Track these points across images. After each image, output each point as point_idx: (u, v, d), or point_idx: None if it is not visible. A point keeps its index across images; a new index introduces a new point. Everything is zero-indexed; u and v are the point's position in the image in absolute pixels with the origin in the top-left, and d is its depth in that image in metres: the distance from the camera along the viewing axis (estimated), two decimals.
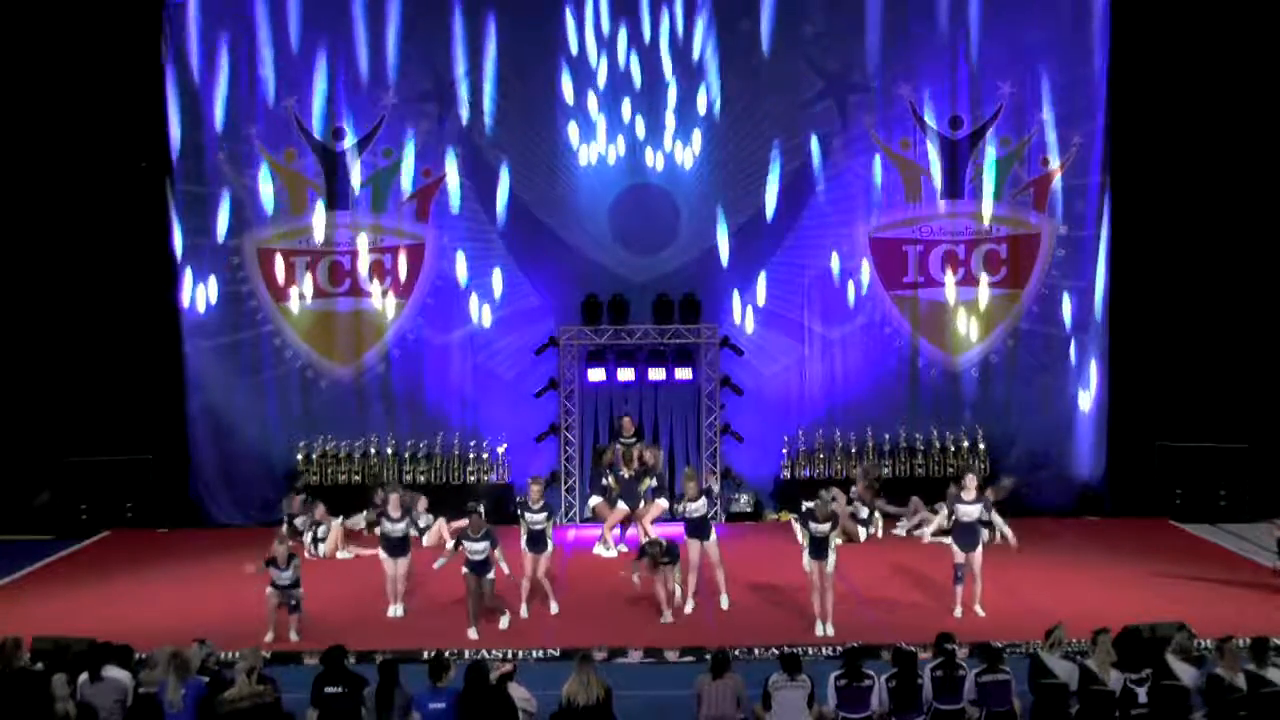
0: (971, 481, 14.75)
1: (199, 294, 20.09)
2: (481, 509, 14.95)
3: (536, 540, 14.98)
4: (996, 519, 14.87)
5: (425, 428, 20.30)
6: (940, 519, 15.87)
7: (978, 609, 14.69)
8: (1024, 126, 20.22)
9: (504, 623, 14.58)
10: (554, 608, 15.07)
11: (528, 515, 15.01)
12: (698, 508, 14.96)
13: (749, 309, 20.39)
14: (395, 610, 15.14)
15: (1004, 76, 20.13)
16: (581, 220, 20.47)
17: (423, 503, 17.72)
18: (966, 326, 20.44)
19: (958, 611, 14.63)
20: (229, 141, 20.03)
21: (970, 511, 14.60)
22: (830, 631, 14.08)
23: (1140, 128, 19.77)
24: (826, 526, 14.15)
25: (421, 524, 16.73)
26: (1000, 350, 20.53)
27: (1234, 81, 19.44)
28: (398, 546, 15.14)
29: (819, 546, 14.12)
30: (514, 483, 20.12)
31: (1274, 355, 19.81)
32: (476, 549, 14.36)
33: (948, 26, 20.04)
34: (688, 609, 14.99)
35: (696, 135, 20.25)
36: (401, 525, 15.19)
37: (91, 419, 19.91)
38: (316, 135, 20.20)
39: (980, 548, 14.63)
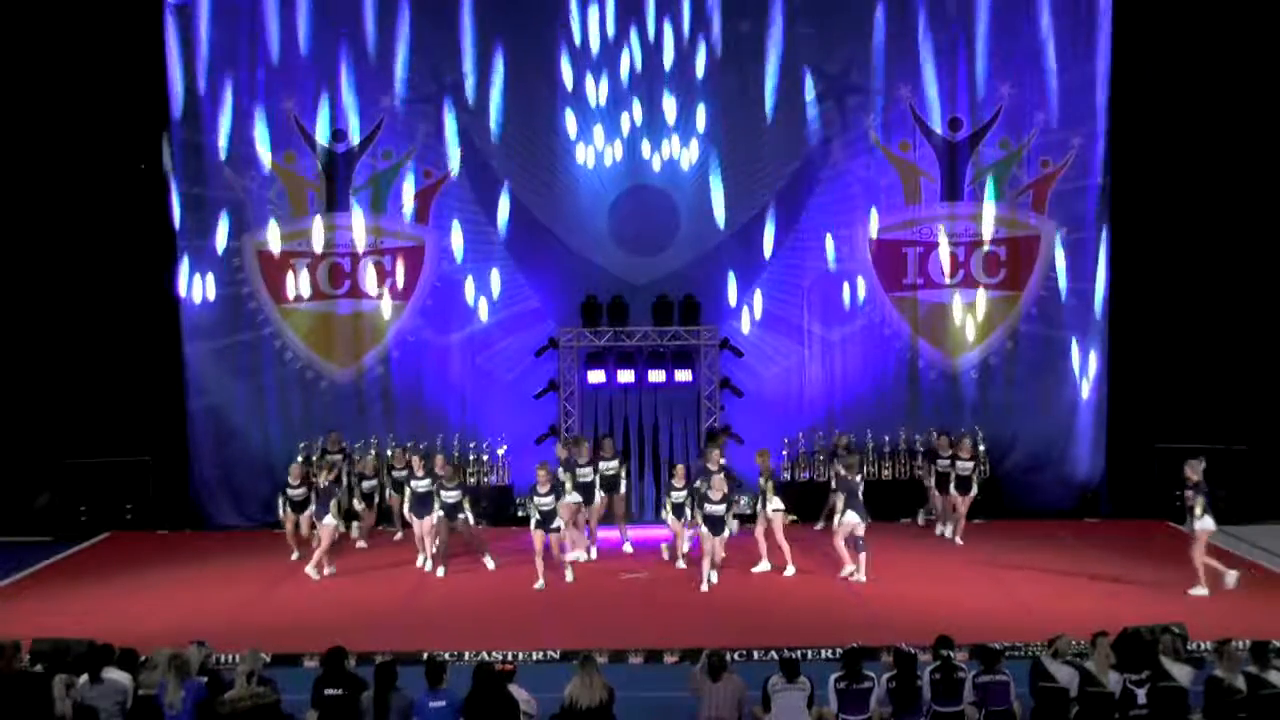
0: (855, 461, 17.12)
1: (199, 295, 20.07)
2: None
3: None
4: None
5: (425, 429, 20.30)
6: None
7: (862, 575, 16.23)
8: (1023, 128, 20.20)
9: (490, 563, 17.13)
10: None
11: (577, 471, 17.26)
12: (717, 509, 16.15)
13: (749, 311, 20.39)
14: (423, 563, 17.11)
15: (1003, 78, 20.12)
16: (581, 221, 20.47)
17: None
18: (966, 328, 20.44)
19: (861, 576, 16.20)
20: (229, 143, 20.02)
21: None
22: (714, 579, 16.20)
23: (1140, 129, 19.76)
24: (722, 508, 16.14)
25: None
26: (1000, 352, 20.52)
27: (1234, 83, 19.43)
28: (423, 502, 16.96)
29: (715, 524, 16.17)
30: (514, 484, 20.14)
31: (1274, 356, 19.81)
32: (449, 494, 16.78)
33: (947, 28, 20.04)
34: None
35: (696, 136, 20.25)
36: (425, 482, 16.96)
37: (91, 420, 19.90)
38: (316, 137, 20.21)
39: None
